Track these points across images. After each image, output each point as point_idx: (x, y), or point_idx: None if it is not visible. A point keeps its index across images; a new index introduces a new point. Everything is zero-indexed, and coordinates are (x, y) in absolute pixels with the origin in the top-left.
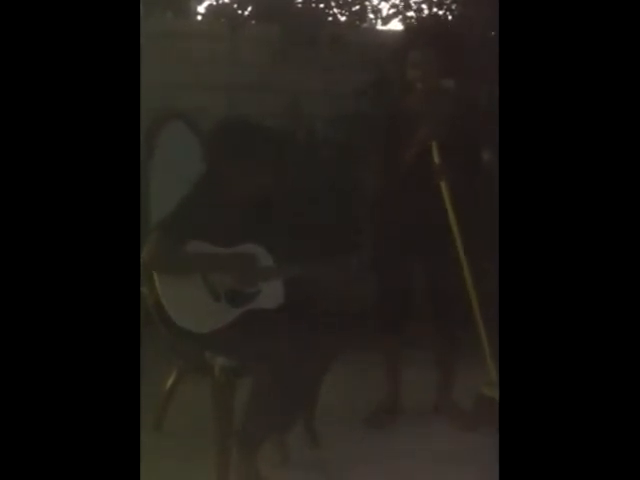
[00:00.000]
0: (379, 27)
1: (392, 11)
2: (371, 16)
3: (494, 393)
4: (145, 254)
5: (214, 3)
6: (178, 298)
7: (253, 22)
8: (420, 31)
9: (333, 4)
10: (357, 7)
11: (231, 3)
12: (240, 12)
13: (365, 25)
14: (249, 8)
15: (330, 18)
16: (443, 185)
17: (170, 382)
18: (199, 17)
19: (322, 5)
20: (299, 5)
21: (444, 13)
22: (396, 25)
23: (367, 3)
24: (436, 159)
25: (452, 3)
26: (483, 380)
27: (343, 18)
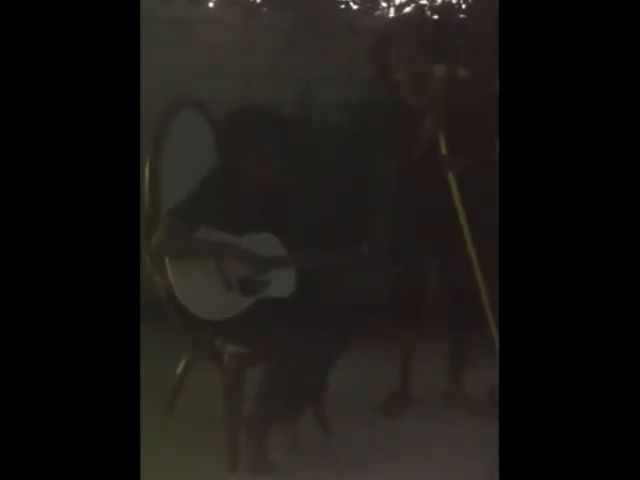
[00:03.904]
0: (392, 15)
1: None
2: (383, 4)
3: None
4: (156, 241)
5: None
6: (190, 285)
7: (265, 9)
8: (394, 28)
9: None
10: None
11: None
12: None
13: (378, 13)
14: None
15: (343, 6)
16: (450, 177)
17: (180, 369)
18: (212, 4)
19: None
20: None
21: (457, 2)
22: (404, 13)
23: None
24: (443, 150)
25: None
26: (494, 372)
27: (355, 6)
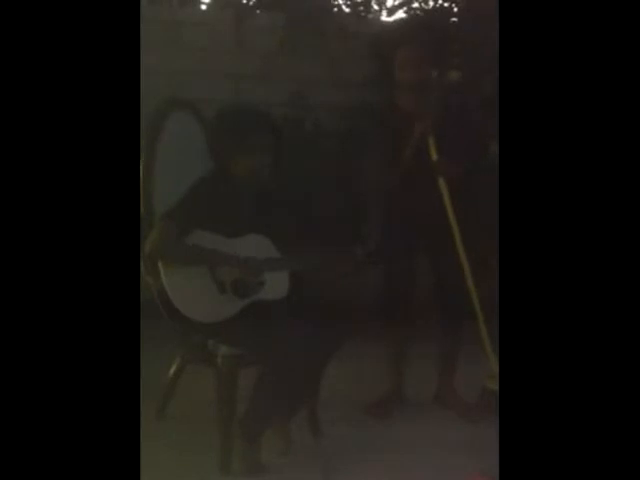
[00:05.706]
0: (384, 18)
1: (397, 2)
2: (376, 7)
3: (496, 386)
4: (149, 244)
5: None
6: (183, 288)
7: (258, 11)
8: (407, 28)
9: None
10: None
11: None
12: (245, 1)
13: (370, 16)
14: None
15: (335, 9)
16: (441, 181)
17: (172, 371)
18: (204, 6)
19: None
20: None
21: (449, 5)
22: (401, 17)
23: None
24: (434, 155)
25: None
26: (485, 373)
27: (348, 9)
